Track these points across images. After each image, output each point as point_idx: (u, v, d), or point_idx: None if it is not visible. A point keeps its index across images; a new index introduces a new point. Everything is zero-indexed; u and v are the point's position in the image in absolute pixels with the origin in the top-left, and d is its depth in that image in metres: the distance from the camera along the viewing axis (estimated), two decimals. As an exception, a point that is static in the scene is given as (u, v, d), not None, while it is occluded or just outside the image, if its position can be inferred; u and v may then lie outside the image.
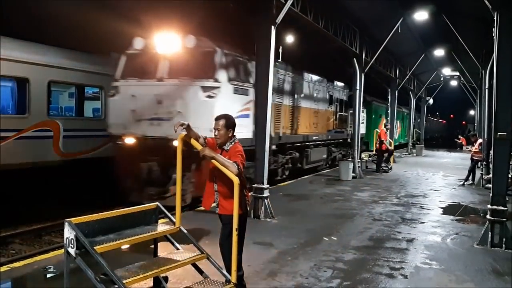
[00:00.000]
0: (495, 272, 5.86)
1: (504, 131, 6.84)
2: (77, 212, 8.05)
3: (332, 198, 11.11)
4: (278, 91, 12.17)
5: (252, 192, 8.33)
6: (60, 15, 14.73)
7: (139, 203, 4.70)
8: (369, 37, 15.79)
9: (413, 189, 13.35)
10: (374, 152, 20.21)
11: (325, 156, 17.37)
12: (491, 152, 7.40)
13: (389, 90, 23.60)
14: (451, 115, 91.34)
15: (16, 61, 9.91)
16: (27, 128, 10.26)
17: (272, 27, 8.47)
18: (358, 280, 5.34)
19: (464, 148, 21.18)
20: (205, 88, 9.03)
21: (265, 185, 8.55)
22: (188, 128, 4.21)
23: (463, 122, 78.30)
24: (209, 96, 8.96)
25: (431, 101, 37.46)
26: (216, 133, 4.35)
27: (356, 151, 15.49)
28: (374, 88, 25.09)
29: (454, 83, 33.25)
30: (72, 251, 3.47)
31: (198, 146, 4.24)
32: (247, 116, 10.14)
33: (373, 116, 26.10)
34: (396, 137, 29.37)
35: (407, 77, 24.27)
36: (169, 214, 4.43)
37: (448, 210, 10.21)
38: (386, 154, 17.97)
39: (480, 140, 14.84)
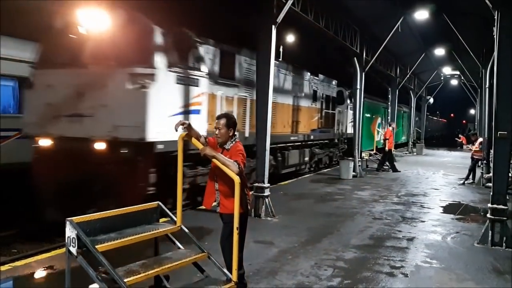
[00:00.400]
0: (495, 271, 5.86)
1: (504, 130, 6.85)
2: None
3: (332, 197, 11.12)
4: (246, 83, 10.55)
5: (253, 191, 8.35)
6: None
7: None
8: (369, 36, 15.79)
9: (413, 188, 13.36)
10: (374, 151, 20.23)
11: (307, 158, 15.46)
12: (492, 151, 7.40)
13: (389, 89, 23.59)
14: (452, 114, 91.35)
15: None
16: None
17: (273, 26, 8.47)
18: (358, 279, 5.35)
19: (464, 147, 21.16)
20: (135, 76, 7.32)
21: (266, 184, 8.55)
22: (189, 127, 4.22)
23: (464, 121, 78.32)
24: (141, 86, 7.28)
25: (431, 100, 37.44)
26: (217, 132, 4.36)
27: (356, 150, 15.49)
28: (374, 87, 24.75)
29: (454, 82, 33.23)
30: (73, 250, 3.48)
31: (199, 145, 4.25)
32: (197, 112, 8.50)
33: (366, 114, 23.81)
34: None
35: (408, 76, 24.27)
36: (170, 213, 4.44)
37: (449, 209, 10.22)
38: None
39: (480, 139, 14.85)
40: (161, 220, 4.58)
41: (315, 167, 16.89)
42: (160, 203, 4.48)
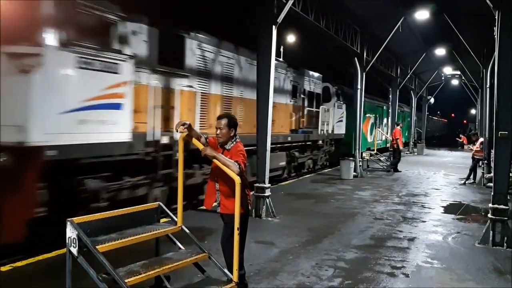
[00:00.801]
0: (496, 271, 5.86)
1: (505, 130, 6.84)
2: None
3: (333, 197, 11.12)
4: (201, 74, 9.11)
5: (253, 191, 8.34)
6: None
7: None
8: (370, 36, 15.78)
9: (414, 188, 13.35)
10: (375, 152, 20.21)
11: (283, 163, 13.15)
12: (492, 151, 7.40)
13: (390, 89, 23.59)
14: (452, 114, 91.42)
15: None
16: None
17: (273, 26, 8.48)
18: (359, 279, 5.34)
19: (465, 147, 21.16)
20: (14, 57, 5.51)
21: (267, 184, 8.55)
22: (189, 127, 4.22)
23: (464, 121, 78.35)
24: (22, 71, 5.49)
25: (432, 100, 37.45)
26: (218, 132, 4.36)
27: (357, 150, 15.48)
28: (367, 85, 24.24)
29: (455, 82, 33.24)
30: (74, 250, 3.49)
31: (199, 145, 4.25)
32: (116, 106, 6.66)
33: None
34: (382, 138, 26.42)
35: (408, 76, 24.26)
36: (171, 214, 4.45)
37: (450, 209, 10.21)
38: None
39: (481, 139, 14.85)
40: (162, 220, 4.59)
41: (296, 172, 14.99)
42: (160, 204, 4.49)
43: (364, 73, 15.41)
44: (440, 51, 20.24)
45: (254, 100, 9.34)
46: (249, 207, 4.63)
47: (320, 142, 16.59)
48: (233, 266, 4.07)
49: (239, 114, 10.50)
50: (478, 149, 14.63)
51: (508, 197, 7.04)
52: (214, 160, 4.15)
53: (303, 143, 15.01)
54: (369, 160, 18.64)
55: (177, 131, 4.25)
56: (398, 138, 17.37)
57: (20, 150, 5.48)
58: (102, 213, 3.90)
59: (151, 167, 7.58)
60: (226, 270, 4.23)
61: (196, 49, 8.99)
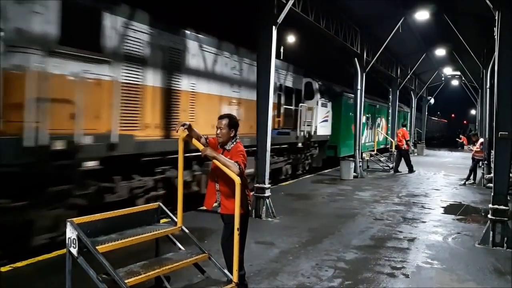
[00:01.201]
0: (496, 272, 5.86)
1: (505, 131, 6.85)
2: None
3: (333, 198, 11.12)
4: (132, 60, 7.39)
5: (253, 192, 8.35)
6: None
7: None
8: (370, 36, 15.79)
9: (414, 188, 13.35)
10: (375, 152, 20.19)
11: (251, 170, 9.39)
12: (492, 151, 7.40)
13: (390, 89, 23.59)
14: (452, 115, 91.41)
15: None
16: None
17: (273, 27, 8.48)
18: (359, 280, 5.34)
19: (465, 147, 21.16)
20: None
21: (267, 185, 8.55)
22: (189, 128, 4.22)
23: (464, 122, 78.32)
24: None
25: (432, 100, 37.45)
26: (219, 132, 4.36)
27: (357, 150, 15.47)
28: (368, 86, 24.13)
29: (455, 82, 33.25)
30: (74, 250, 3.48)
31: (199, 146, 4.25)
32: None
33: (344, 113, 19.44)
34: (380, 139, 25.07)
35: (408, 76, 24.26)
36: (171, 214, 4.45)
37: (450, 209, 10.21)
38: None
39: (481, 140, 14.85)
40: (162, 221, 4.59)
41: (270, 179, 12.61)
42: (160, 204, 4.49)
43: (364, 74, 15.42)
44: (440, 52, 20.23)
45: (213, 95, 8.70)
46: (249, 208, 4.63)
47: (300, 144, 14.58)
48: (233, 267, 4.06)
49: (189, 110, 8.94)
50: (478, 149, 14.63)
51: (508, 198, 7.03)
52: (214, 161, 4.15)
53: (278, 146, 12.93)
54: (369, 160, 18.65)
55: (176, 132, 4.25)
56: (408, 140, 17.08)
57: None
58: (102, 213, 3.89)
59: (36, 183, 5.71)
60: (226, 271, 4.23)
61: (123, 28, 7.14)
